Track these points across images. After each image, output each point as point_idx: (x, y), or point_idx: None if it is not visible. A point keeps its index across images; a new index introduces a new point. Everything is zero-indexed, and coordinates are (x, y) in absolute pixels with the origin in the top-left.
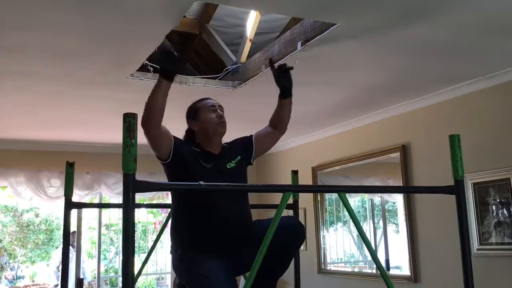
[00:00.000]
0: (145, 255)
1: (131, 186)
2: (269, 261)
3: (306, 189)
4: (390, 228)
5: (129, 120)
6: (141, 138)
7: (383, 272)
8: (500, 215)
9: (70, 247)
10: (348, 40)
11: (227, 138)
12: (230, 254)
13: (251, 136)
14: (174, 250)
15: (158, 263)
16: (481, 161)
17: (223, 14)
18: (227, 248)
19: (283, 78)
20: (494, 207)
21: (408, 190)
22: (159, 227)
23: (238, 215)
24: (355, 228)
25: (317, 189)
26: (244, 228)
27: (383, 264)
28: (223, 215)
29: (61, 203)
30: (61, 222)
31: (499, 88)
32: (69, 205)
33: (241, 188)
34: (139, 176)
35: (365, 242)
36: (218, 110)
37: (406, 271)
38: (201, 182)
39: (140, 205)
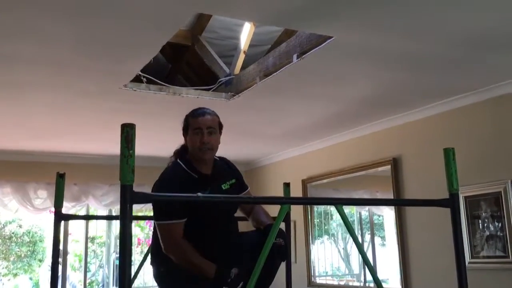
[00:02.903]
0: (132, 267)
1: (129, 197)
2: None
3: (303, 201)
4: (376, 241)
5: (127, 130)
6: (138, 150)
7: (379, 285)
8: (491, 229)
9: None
10: (342, 54)
11: (219, 149)
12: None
13: (247, 187)
14: (157, 265)
15: (144, 277)
16: (472, 175)
17: (216, 26)
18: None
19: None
20: (485, 221)
21: (403, 203)
22: (143, 243)
23: (230, 238)
24: (342, 242)
25: (314, 201)
26: (235, 249)
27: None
28: (216, 240)
29: (47, 214)
30: (45, 234)
31: (489, 103)
32: (59, 217)
33: (239, 200)
34: None
35: (362, 254)
36: (205, 134)
37: (393, 284)
38: (199, 194)
39: (137, 217)
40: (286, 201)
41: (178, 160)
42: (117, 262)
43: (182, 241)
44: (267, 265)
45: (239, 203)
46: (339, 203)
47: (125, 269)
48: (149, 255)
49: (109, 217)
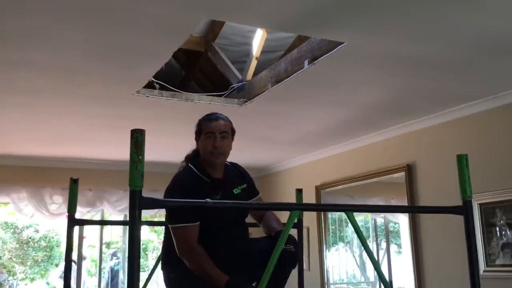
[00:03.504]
0: (145, 273)
1: (138, 203)
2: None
3: (313, 207)
4: (392, 248)
5: (136, 136)
6: (148, 155)
7: None
8: (508, 236)
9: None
10: (353, 59)
11: (232, 156)
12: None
13: (258, 192)
14: (167, 270)
15: (159, 282)
16: (487, 182)
17: (229, 32)
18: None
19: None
20: (502, 228)
21: (416, 210)
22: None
23: (240, 244)
24: (358, 249)
25: (324, 208)
26: (244, 255)
27: None
28: (226, 246)
29: (62, 219)
30: (61, 238)
31: (504, 109)
32: (73, 222)
33: (248, 206)
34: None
35: (374, 263)
36: (217, 139)
37: None
38: (208, 200)
39: (145, 223)
40: (295, 207)
41: (189, 165)
42: (116, 268)
43: (197, 246)
44: (277, 272)
45: (249, 209)
46: (350, 209)
47: (133, 274)
48: (160, 260)
49: (122, 223)
